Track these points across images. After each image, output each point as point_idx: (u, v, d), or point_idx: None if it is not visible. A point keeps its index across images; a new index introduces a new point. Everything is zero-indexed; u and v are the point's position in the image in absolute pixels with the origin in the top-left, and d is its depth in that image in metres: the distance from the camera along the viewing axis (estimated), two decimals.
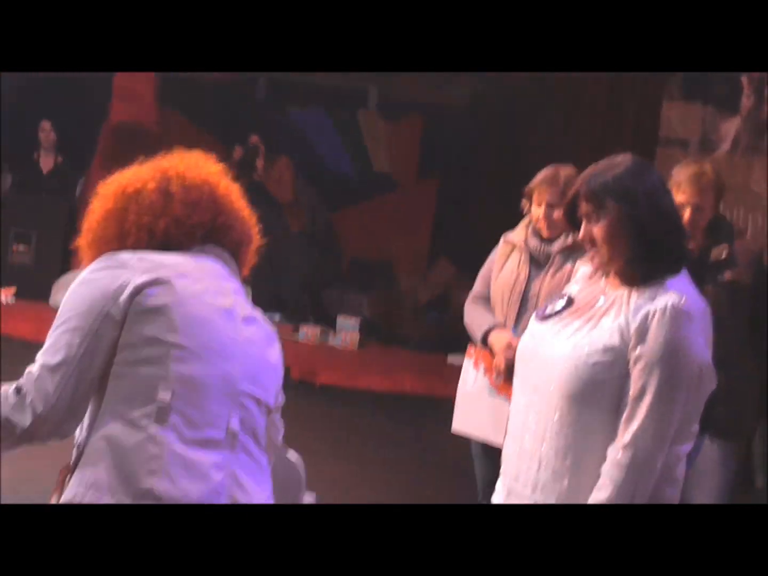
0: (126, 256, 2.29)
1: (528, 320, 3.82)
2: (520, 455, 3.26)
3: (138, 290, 2.20)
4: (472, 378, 4.98)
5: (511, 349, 4.50)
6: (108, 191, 2.38)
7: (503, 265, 4.90)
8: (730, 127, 9.23)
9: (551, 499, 3.14)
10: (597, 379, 3.03)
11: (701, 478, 4.56)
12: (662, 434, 2.99)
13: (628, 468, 2.97)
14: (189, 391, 2.24)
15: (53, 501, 2.43)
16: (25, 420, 2.13)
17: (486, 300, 4.94)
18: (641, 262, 3.08)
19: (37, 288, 10.35)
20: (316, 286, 10.77)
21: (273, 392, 2.41)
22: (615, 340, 2.99)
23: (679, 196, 4.61)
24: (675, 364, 2.97)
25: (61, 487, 2.30)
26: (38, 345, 2.88)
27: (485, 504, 3.73)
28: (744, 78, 8.84)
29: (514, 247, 4.88)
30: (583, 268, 3.43)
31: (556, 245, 4.73)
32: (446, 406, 5.35)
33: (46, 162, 11.32)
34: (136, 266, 2.25)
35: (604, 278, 3.21)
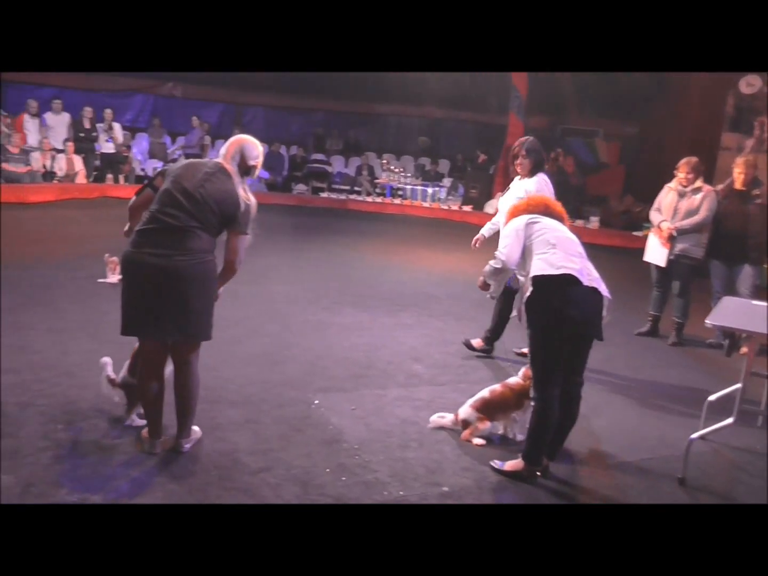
0: (523, 216, 3.67)
1: (673, 221, 6.14)
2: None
3: (528, 221, 3.62)
4: (653, 239, 6.50)
5: (669, 230, 6.17)
6: (517, 205, 3.85)
7: (665, 196, 6.45)
8: (749, 144, 11.73)
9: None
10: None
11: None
12: None
13: None
14: (560, 242, 3.51)
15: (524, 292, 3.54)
16: (498, 264, 3.63)
17: (657, 210, 6.46)
18: (532, 170, 5.17)
19: (479, 206, 14.10)
20: (577, 206, 13.08)
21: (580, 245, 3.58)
22: (524, 192, 5.01)
23: (738, 168, 6.29)
24: (541, 189, 5.00)
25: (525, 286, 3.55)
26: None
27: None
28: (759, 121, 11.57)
29: (670, 189, 6.41)
30: (516, 178, 5.35)
31: (688, 189, 6.27)
32: (634, 252, 7.91)
33: (482, 159, 15.40)
34: (526, 217, 3.66)
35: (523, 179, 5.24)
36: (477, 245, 5.58)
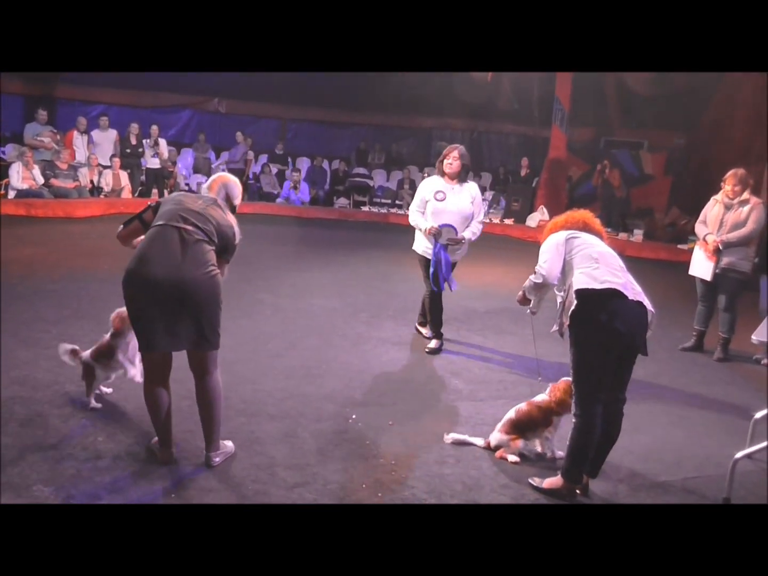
0: (562, 231, 3.62)
1: (719, 234, 6.01)
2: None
3: (567, 236, 3.57)
4: (698, 252, 6.35)
5: (715, 243, 6.05)
6: (555, 221, 3.74)
7: (711, 209, 6.33)
8: None
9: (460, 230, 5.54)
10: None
11: None
12: (482, 215, 5.61)
13: (479, 228, 5.62)
14: (602, 257, 3.46)
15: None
16: (539, 279, 3.57)
17: (703, 223, 6.33)
18: (461, 174, 5.61)
19: (520, 219, 14.29)
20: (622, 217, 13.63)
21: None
22: (471, 198, 5.57)
23: None
24: (478, 200, 5.61)
25: (568, 300, 3.42)
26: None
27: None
28: None
29: (716, 202, 6.29)
30: (435, 176, 5.77)
31: (735, 201, 6.13)
32: (679, 265, 8.24)
33: (524, 171, 15.67)
34: (565, 233, 3.60)
35: (455, 183, 5.64)
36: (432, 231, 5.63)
